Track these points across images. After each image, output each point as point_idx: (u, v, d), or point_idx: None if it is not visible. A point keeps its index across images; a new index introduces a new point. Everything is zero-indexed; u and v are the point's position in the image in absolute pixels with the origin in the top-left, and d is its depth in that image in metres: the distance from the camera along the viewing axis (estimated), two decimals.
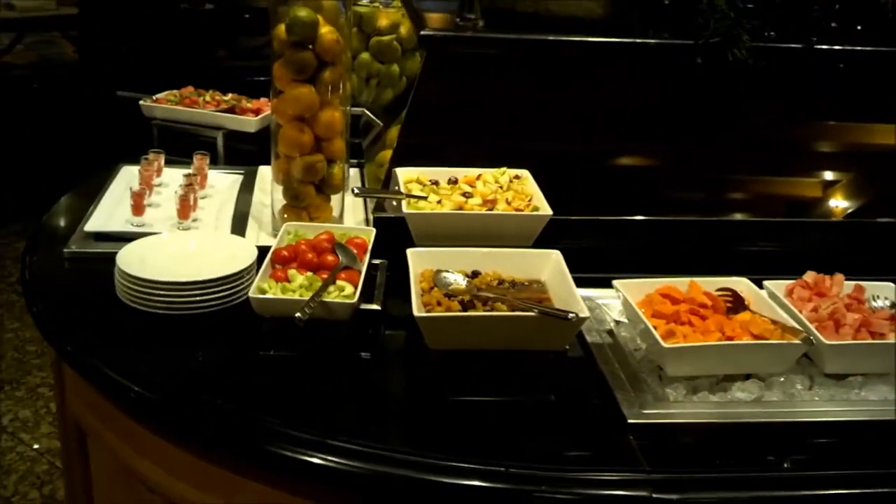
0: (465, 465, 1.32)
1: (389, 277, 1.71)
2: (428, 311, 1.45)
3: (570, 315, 1.39)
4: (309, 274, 1.59)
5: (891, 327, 1.60)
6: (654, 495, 1.32)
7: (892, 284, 1.78)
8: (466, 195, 1.78)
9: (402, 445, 1.36)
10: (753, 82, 1.96)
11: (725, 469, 1.38)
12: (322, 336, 1.54)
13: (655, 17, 1.96)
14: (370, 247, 1.70)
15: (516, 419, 1.44)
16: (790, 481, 1.38)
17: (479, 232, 1.71)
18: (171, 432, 1.49)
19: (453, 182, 1.86)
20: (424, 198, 1.77)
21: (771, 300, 1.70)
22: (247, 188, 2.23)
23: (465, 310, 1.47)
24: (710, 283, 1.74)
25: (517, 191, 1.82)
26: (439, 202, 1.76)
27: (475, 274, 1.61)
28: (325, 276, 1.58)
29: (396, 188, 1.87)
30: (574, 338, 1.56)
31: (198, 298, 1.60)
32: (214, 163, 2.32)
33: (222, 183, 2.24)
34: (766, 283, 1.77)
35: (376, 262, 1.72)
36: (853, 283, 1.76)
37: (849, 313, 1.63)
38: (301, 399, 1.46)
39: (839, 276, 1.76)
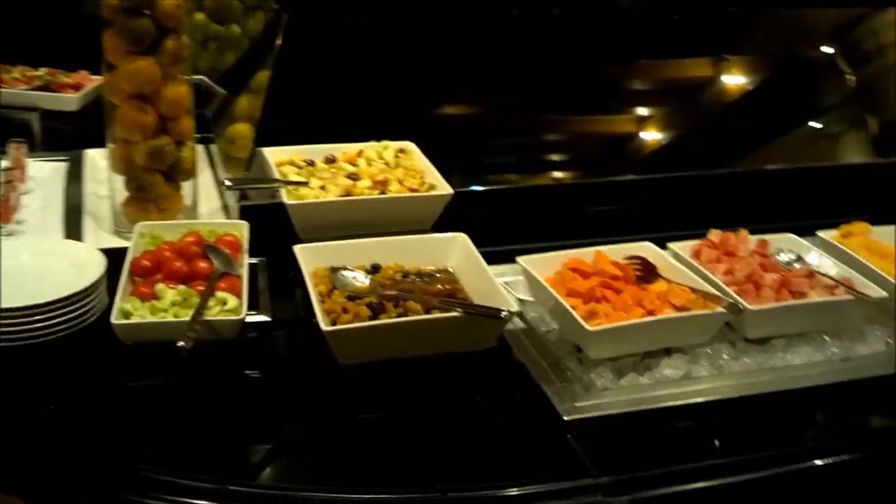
0: (396, 497, 1.15)
1: (272, 277, 1.48)
2: (334, 322, 1.24)
3: (503, 313, 1.22)
4: (181, 287, 1.34)
5: (810, 285, 1.54)
6: (605, 499, 1.20)
7: (791, 235, 1.72)
8: (353, 177, 1.57)
9: (316, 482, 1.17)
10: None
11: (674, 461, 1.27)
12: (203, 358, 1.30)
13: None
14: (245, 244, 1.47)
15: (444, 432, 1.27)
16: (739, 465, 1.29)
17: (373, 219, 1.50)
18: (21, 492, 1.22)
19: (331, 160, 1.64)
20: (305, 183, 1.54)
21: (679, 264, 1.60)
22: (74, 178, 1.92)
23: (375, 314, 1.27)
24: (616, 252, 1.63)
25: (406, 167, 1.62)
26: (323, 188, 1.54)
27: (376, 268, 1.41)
28: (200, 287, 1.34)
29: (267, 173, 1.62)
30: None
31: (42, 324, 1.32)
32: (32, 150, 1.99)
33: (43, 173, 1.92)
34: (670, 245, 1.68)
35: (253, 260, 1.49)
36: (756, 237, 1.69)
37: (766, 274, 1.55)
38: (186, 438, 1.23)
39: (743, 233, 1.69)
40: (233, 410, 1.28)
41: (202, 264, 1.39)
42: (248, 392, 1.32)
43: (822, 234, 1.74)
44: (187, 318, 1.25)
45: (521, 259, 1.56)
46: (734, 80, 2.26)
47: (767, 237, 1.70)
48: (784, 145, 2.24)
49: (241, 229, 1.51)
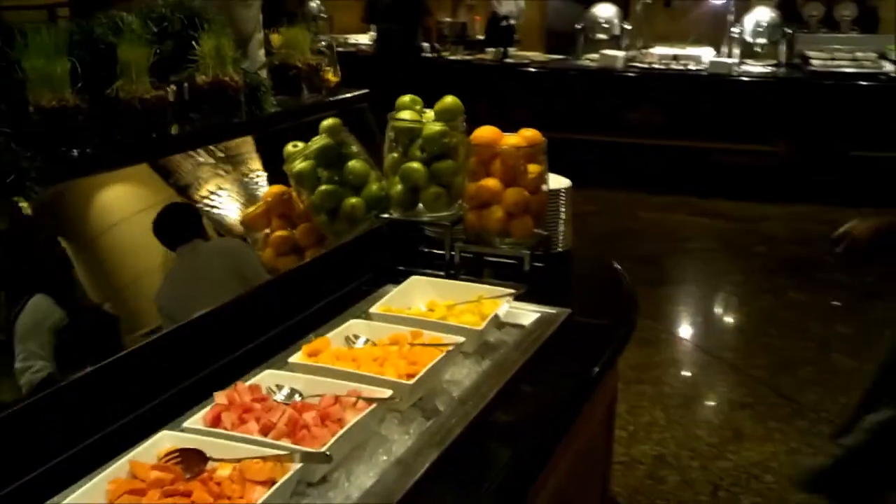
0: None
1: None
2: None
3: None
4: None
5: (341, 409, 1.57)
6: None
7: (270, 371, 1.72)
8: None
9: None
10: None
11: None
12: None
13: None
14: None
15: None
16: None
17: None
18: None
19: None
20: None
21: (216, 438, 1.48)
22: None
23: None
24: (144, 454, 1.44)
25: None
26: None
27: None
28: None
29: None
30: None
31: None
32: None
33: None
34: (185, 424, 1.54)
35: None
36: (245, 385, 1.65)
37: (304, 414, 1.54)
38: None
39: (241, 385, 1.63)
40: None
41: None
42: None
43: (292, 359, 1.77)
44: None
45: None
46: None
47: (255, 380, 1.68)
48: None
49: None
